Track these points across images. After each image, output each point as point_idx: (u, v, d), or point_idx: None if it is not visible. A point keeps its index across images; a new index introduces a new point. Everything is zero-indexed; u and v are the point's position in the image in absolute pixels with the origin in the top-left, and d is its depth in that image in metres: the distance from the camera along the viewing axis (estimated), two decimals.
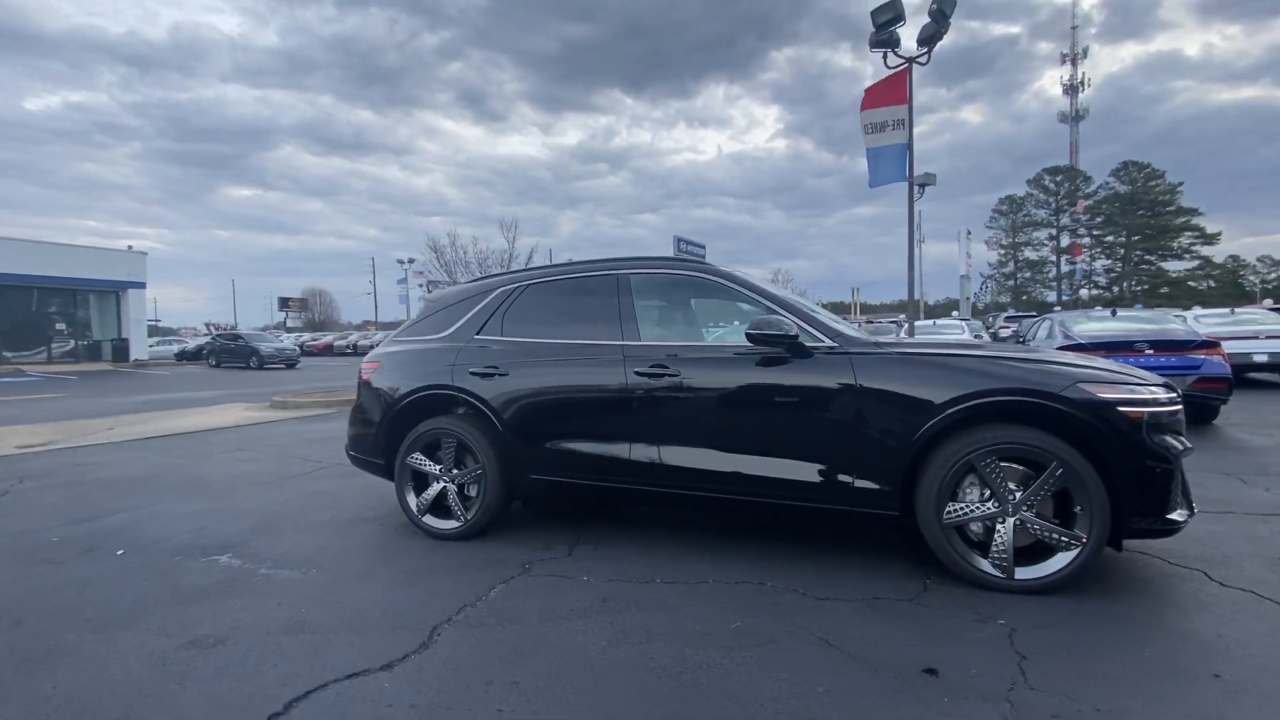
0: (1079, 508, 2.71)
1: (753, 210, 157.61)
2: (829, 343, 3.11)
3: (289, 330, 58.69)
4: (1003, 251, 70.64)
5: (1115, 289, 64.91)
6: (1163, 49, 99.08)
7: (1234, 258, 63.82)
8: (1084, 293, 65.15)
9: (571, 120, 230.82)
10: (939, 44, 11.87)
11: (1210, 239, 59.69)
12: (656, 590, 2.94)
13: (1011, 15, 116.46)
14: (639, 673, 2.21)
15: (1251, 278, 62.28)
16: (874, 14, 12.23)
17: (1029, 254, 69.67)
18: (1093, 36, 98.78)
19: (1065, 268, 65.85)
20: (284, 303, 72.73)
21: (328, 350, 43.27)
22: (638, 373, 3.37)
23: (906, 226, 11.88)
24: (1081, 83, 68.72)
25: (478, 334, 3.88)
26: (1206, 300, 47.61)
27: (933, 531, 2.88)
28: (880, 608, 2.68)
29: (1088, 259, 65.98)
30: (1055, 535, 2.74)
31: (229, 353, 27.57)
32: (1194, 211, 59.35)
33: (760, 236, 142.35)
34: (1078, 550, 2.70)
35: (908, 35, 12.40)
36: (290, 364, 26.75)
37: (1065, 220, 66.19)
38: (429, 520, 3.81)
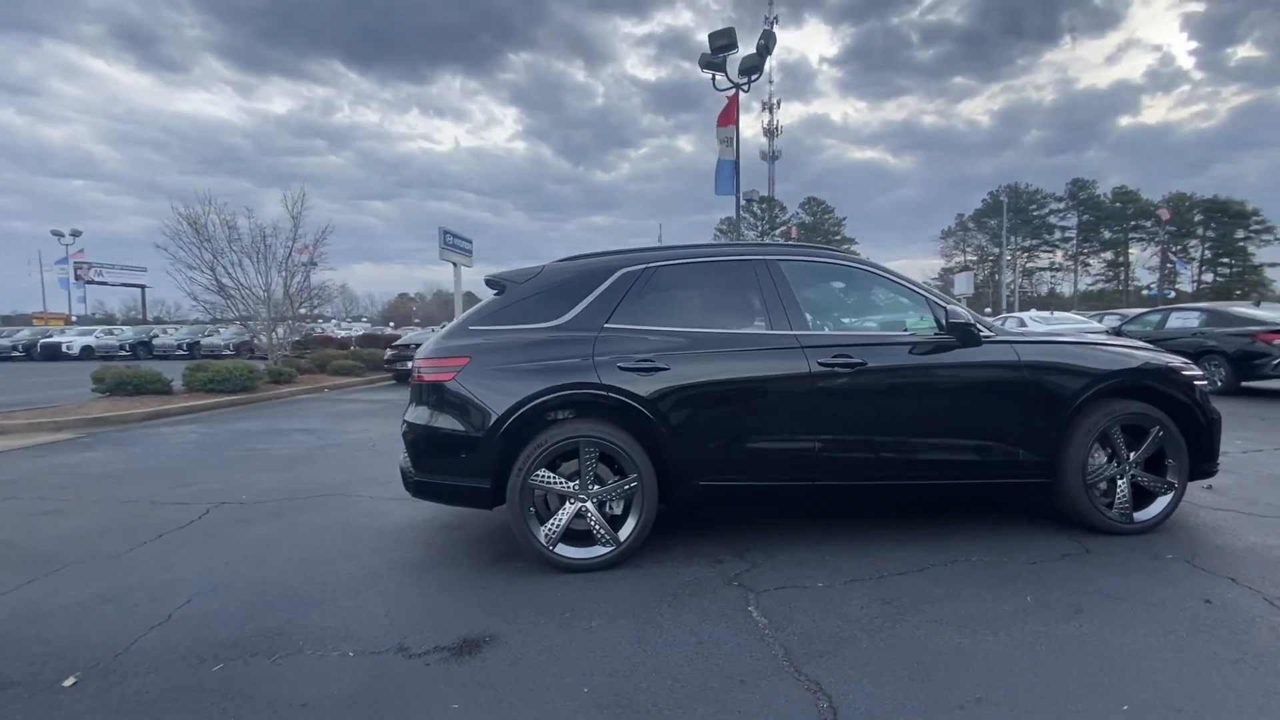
0: (1170, 460, 3.47)
1: (495, 208, 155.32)
2: (986, 331, 3.42)
3: None
4: None
5: None
6: (817, 112, 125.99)
7: None
8: None
9: (280, 86, 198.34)
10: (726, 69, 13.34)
11: None
12: (906, 583, 2.88)
13: (714, 63, 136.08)
14: (1065, 658, 2.19)
15: None
16: (711, 37, 13.32)
17: None
18: (771, 92, 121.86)
19: None
20: None
21: None
22: (821, 363, 3.24)
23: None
24: (777, 129, 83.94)
25: (607, 322, 3.27)
26: None
27: (1077, 492, 3.37)
28: (1087, 562, 3.06)
29: None
30: (1159, 484, 3.46)
31: None
32: (853, 240, 76.97)
33: (503, 235, 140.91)
34: (1173, 494, 3.46)
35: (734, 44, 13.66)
36: None
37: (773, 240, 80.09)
38: (564, 551, 3.10)
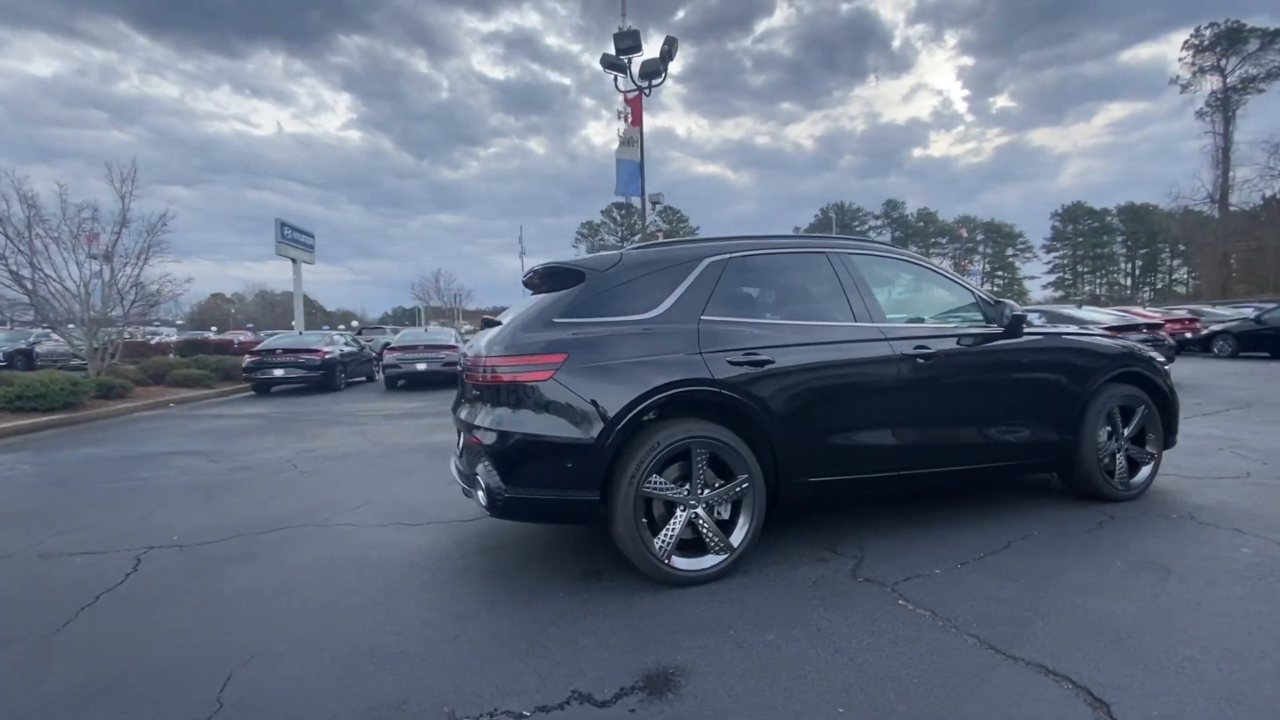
0: (1150, 435, 4.02)
1: (326, 201, 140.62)
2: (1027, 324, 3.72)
3: None
4: None
5: None
6: (663, 125, 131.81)
7: None
8: None
9: (42, 43, 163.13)
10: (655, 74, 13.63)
11: None
12: (1006, 561, 3.02)
13: (563, 69, 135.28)
14: (1203, 613, 2.41)
15: None
16: (616, 38, 13.29)
17: None
18: (617, 105, 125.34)
19: None
20: None
21: None
22: (904, 355, 3.31)
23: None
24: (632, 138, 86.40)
25: (704, 314, 3.05)
26: None
27: (1092, 466, 3.79)
28: (1124, 528, 3.43)
29: None
30: (1144, 456, 4.00)
31: None
32: None
33: (337, 230, 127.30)
34: (1154, 463, 4.02)
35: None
36: None
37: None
38: (679, 563, 2.83)
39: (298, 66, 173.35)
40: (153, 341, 23.38)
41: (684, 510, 2.86)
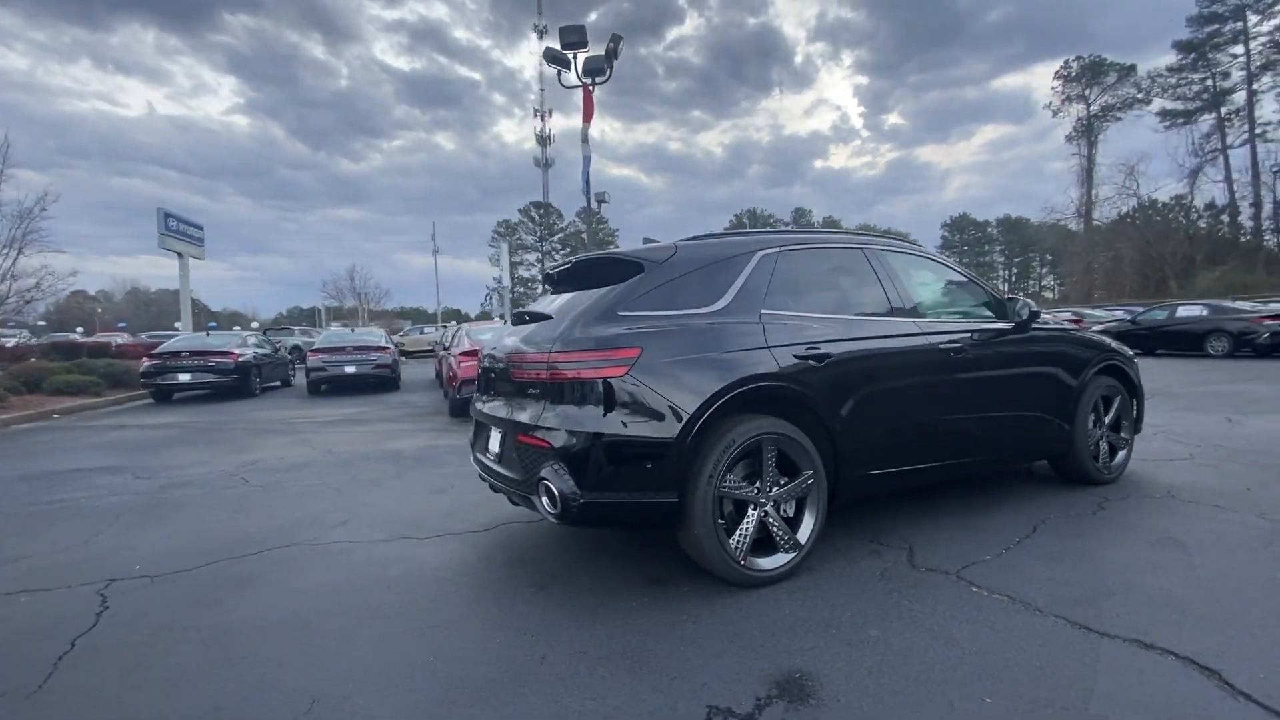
0: (1124, 422, 4.39)
1: (209, 191, 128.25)
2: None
3: None
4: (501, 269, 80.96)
5: None
6: (578, 125, 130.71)
7: None
8: None
9: None
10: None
11: None
12: (1041, 544, 3.16)
13: (472, 63, 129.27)
14: (1238, 582, 2.62)
15: None
16: (561, 32, 13.04)
17: (522, 272, 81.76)
18: (531, 102, 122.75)
19: None
20: None
21: None
22: (940, 348, 3.41)
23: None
24: (548, 137, 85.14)
25: (764, 308, 2.99)
26: None
27: (1084, 454, 4.08)
28: (1123, 510, 3.70)
29: None
30: (1121, 441, 4.35)
31: None
32: None
33: (221, 224, 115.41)
34: (1128, 448, 4.38)
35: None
36: None
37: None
38: (755, 563, 2.75)
39: (173, 43, 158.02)
40: (9, 345, 20.39)
41: (754, 509, 2.79)
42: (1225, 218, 42.92)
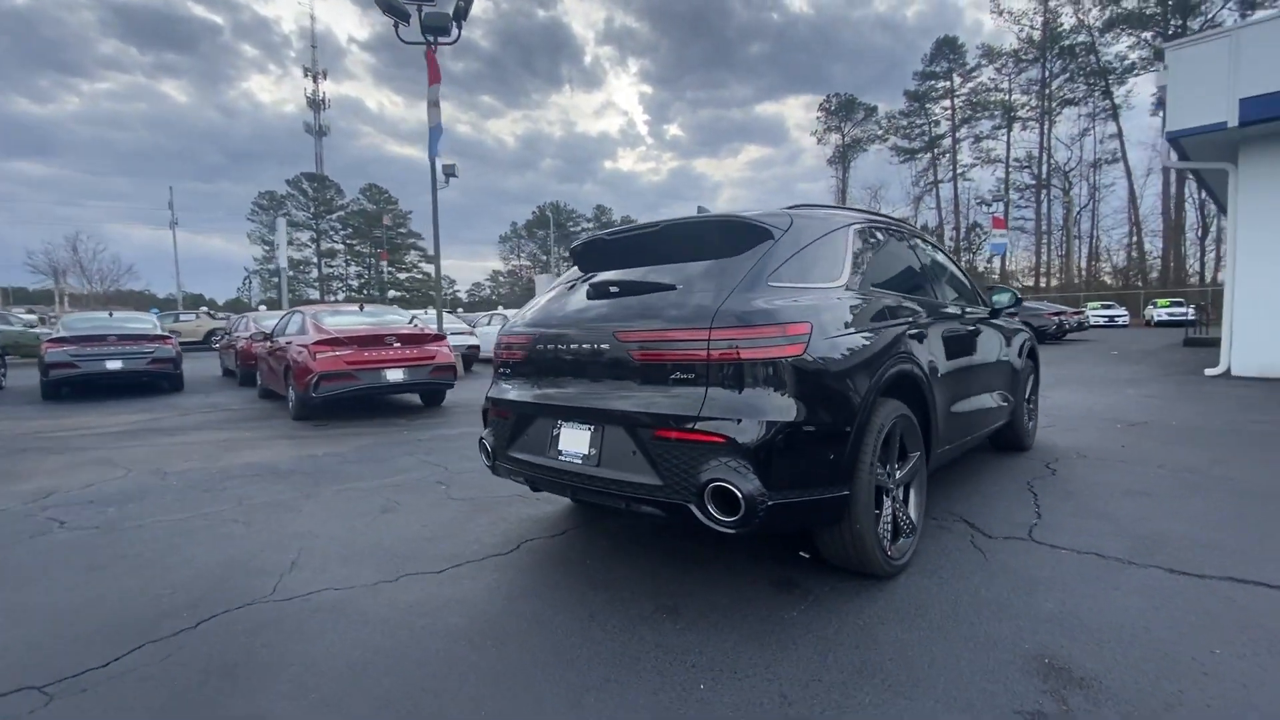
0: (1032, 395, 5.18)
1: None
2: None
3: None
4: (266, 249, 69.44)
5: (364, 291, 75.25)
6: (350, 94, 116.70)
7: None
8: (341, 295, 72.52)
9: None
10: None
11: (430, 259, 77.74)
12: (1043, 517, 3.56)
13: (212, 4, 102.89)
14: (1238, 519, 3.19)
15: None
16: None
17: (293, 253, 71.13)
18: (293, 60, 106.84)
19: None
20: None
21: None
22: (971, 329, 3.65)
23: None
24: (324, 101, 75.17)
25: (872, 284, 2.88)
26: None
27: (1022, 425, 4.72)
28: (1079, 468, 4.34)
29: (343, 263, 73.94)
30: (1033, 413, 5.12)
31: None
32: (418, 235, 75.76)
33: None
34: (1035, 419, 5.19)
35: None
36: None
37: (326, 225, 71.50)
38: (896, 554, 2.63)
39: None
40: None
41: (887, 496, 2.67)
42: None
